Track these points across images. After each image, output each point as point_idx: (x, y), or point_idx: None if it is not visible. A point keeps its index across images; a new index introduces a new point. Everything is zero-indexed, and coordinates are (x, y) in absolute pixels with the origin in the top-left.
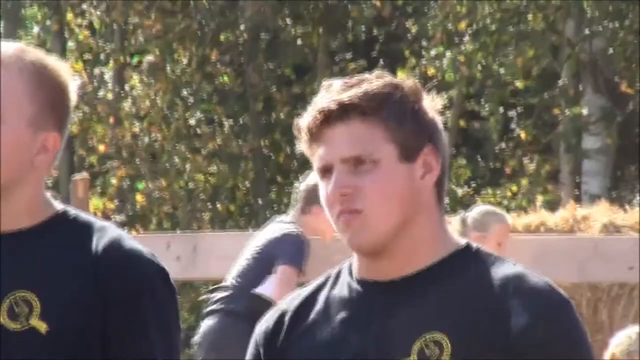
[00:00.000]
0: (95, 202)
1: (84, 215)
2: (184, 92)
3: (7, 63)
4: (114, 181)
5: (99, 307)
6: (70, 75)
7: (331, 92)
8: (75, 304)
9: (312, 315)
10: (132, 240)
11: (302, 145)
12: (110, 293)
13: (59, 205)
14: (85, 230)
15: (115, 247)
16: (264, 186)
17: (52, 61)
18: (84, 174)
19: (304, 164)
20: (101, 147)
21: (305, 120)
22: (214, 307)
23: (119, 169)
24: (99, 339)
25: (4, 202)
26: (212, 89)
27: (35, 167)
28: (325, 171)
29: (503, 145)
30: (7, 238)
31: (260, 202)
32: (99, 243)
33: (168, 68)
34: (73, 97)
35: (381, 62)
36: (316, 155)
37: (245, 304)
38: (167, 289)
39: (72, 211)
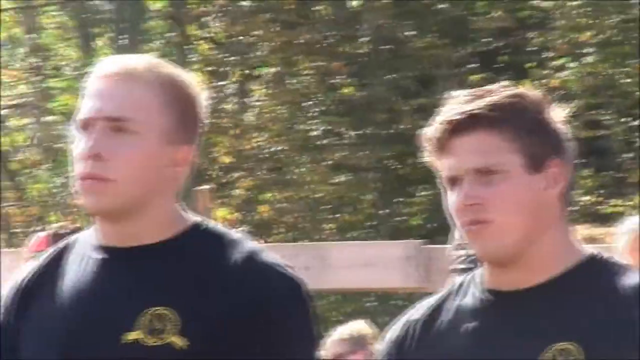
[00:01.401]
0: (220, 212)
1: (216, 227)
2: (307, 104)
3: (141, 76)
4: (238, 192)
5: (233, 322)
6: (199, 88)
7: (457, 103)
8: (211, 318)
9: (442, 325)
10: (267, 253)
11: (427, 156)
12: (245, 308)
13: (190, 218)
14: (219, 243)
15: (250, 261)
16: (387, 197)
17: (183, 74)
18: (207, 186)
19: (427, 175)
20: (224, 159)
21: (432, 131)
22: None
23: (242, 180)
24: (234, 354)
25: (138, 216)
26: (335, 100)
27: (167, 180)
28: (454, 181)
29: (628, 155)
30: (141, 251)
31: (384, 212)
32: (233, 257)
33: (291, 80)
34: (203, 110)
35: (505, 73)
36: (444, 166)
37: None
38: (303, 302)
39: (204, 223)
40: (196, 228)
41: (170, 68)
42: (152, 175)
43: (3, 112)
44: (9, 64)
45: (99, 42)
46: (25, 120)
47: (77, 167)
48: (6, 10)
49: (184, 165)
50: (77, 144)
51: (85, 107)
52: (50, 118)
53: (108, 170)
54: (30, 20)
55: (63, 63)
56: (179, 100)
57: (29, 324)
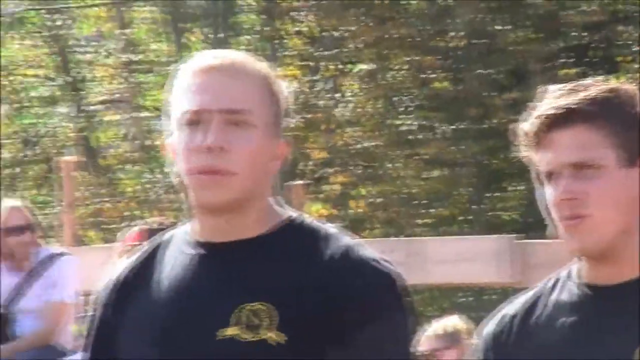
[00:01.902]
0: (314, 208)
1: (312, 222)
2: (400, 99)
3: (247, 70)
4: (331, 188)
5: (329, 317)
6: (287, 83)
7: (553, 98)
8: (307, 314)
9: (539, 320)
10: (363, 248)
11: (522, 151)
12: (341, 302)
13: (285, 212)
14: (315, 237)
15: (346, 255)
16: (481, 192)
17: (273, 70)
18: (301, 181)
19: (521, 169)
20: (317, 154)
21: (528, 125)
22: None
23: (336, 176)
24: (330, 349)
25: (244, 210)
26: (429, 95)
27: (269, 174)
28: (551, 176)
29: None
30: (239, 246)
31: (478, 207)
32: (329, 251)
33: (384, 74)
34: (290, 105)
35: (597, 67)
36: (541, 160)
37: None
38: (399, 297)
39: (299, 218)
40: (291, 222)
41: (264, 63)
42: (262, 169)
43: (96, 107)
44: (101, 60)
45: (191, 37)
46: (118, 116)
47: (191, 161)
48: (98, 5)
49: (281, 159)
50: (182, 138)
51: (193, 100)
52: (142, 114)
53: (230, 163)
54: (122, 16)
55: (155, 58)
56: (276, 94)
57: (126, 320)
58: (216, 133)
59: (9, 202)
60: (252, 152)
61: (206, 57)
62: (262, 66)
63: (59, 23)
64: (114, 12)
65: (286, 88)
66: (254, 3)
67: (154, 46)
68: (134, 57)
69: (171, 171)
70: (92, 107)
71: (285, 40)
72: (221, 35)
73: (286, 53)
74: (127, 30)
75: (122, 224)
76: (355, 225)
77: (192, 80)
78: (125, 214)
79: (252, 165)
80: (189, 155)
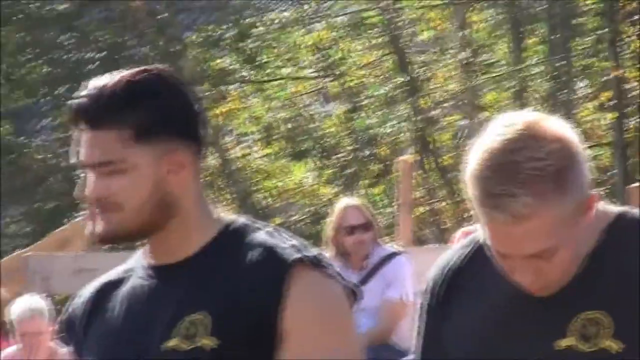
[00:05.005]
0: None
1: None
2: None
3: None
4: None
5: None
6: None
7: None
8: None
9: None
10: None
11: None
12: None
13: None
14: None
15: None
16: None
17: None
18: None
19: None
20: None
21: None
22: None
23: None
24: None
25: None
26: None
27: None
28: None
29: None
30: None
31: None
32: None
33: None
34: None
35: None
36: None
37: None
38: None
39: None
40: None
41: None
42: None
43: (434, 108)
44: (440, 60)
45: (531, 39)
46: (456, 117)
47: None
48: (439, 6)
49: None
50: None
51: None
52: (481, 114)
53: None
54: (461, 17)
55: (494, 59)
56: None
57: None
58: None
59: (348, 200)
60: None
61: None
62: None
63: (398, 24)
64: (453, 13)
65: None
66: (594, 5)
67: (493, 47)
68: (472, 59)
69: None
70: (430, 108)
71: (625, 42)
72: (559, 36)
73: (626, 55)
74: (466, 31)
75: (460, 225)
76: None
77: None
78: (464, 215)
79: None
80: None
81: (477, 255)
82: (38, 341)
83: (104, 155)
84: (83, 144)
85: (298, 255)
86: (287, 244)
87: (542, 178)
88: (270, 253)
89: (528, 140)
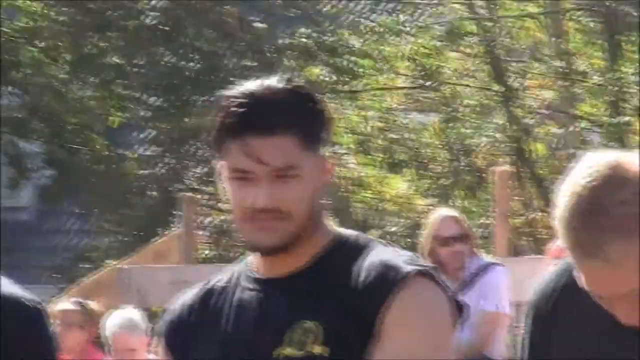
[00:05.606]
0: None
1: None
2: None
3: None
4: None
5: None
6: None
7: None
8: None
9: None
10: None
11: None
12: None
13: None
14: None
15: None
16: None
17: None
18: None
19: None
20: None
21: None
22: None
23: None
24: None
25: None
26: None
27: None
28: None
29: None
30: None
31: None
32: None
33: None
34: None
35: None
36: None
37: None
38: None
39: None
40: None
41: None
42: None
43: (530, 117)
44: (535, 69)
45: (627, 48)
46: (553, 126)
47: None
48: (535, 15)
49: None
50: None
51: None
52: (577, 124)
53: None
54: (556, 25)
55: (589, 68)
56: None
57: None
58: None
59: (444, 211)
60: None
61: None
62: None
63: (494, 32)
64: (549, 21)
65: None
66: None
67: (588, 56)
68: (567, 67)
69: None
70: (526, 117)
71: None
72: None
73: None
74: (561, 40)
75: (554, 235)
76: None
77: None
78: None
79: None
80: None
81: (574, 282)
82: (132, 356)
83: (286, 160)
84: (252, 151)
85: (412, 267)
86: (400, 256)
87: (629, 221)
88: (384, 265)
89: (613, 184)
